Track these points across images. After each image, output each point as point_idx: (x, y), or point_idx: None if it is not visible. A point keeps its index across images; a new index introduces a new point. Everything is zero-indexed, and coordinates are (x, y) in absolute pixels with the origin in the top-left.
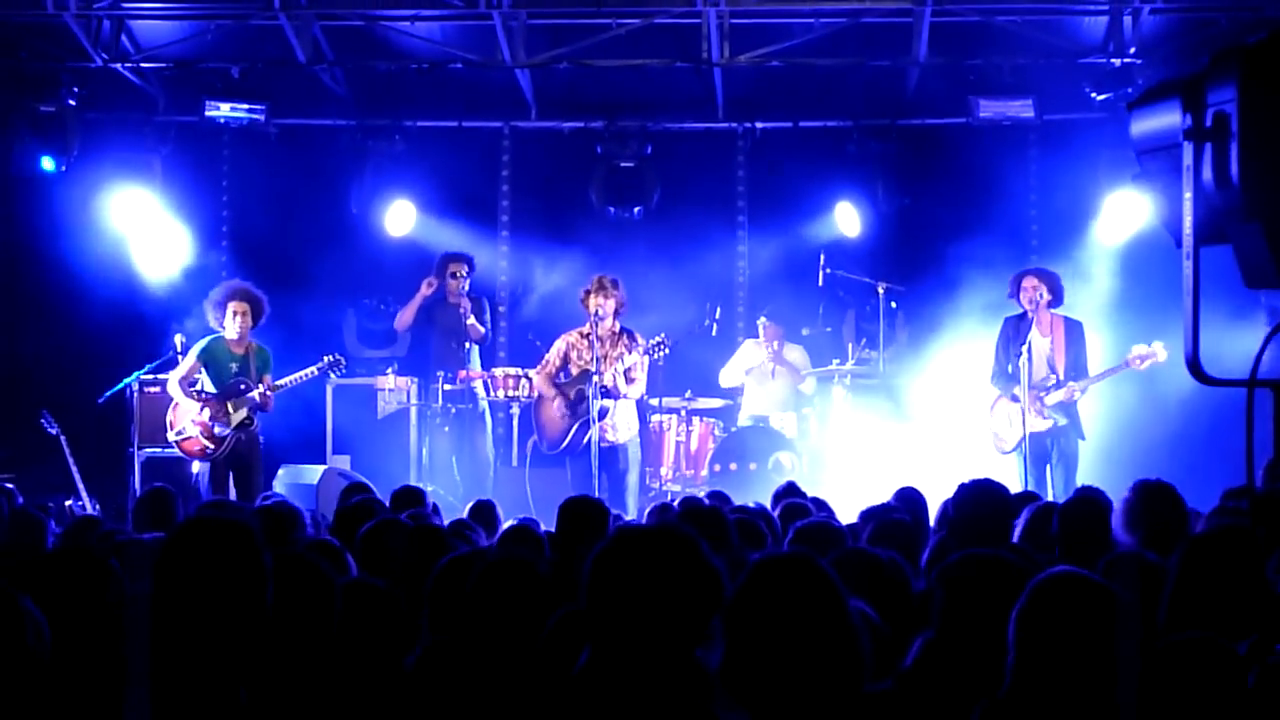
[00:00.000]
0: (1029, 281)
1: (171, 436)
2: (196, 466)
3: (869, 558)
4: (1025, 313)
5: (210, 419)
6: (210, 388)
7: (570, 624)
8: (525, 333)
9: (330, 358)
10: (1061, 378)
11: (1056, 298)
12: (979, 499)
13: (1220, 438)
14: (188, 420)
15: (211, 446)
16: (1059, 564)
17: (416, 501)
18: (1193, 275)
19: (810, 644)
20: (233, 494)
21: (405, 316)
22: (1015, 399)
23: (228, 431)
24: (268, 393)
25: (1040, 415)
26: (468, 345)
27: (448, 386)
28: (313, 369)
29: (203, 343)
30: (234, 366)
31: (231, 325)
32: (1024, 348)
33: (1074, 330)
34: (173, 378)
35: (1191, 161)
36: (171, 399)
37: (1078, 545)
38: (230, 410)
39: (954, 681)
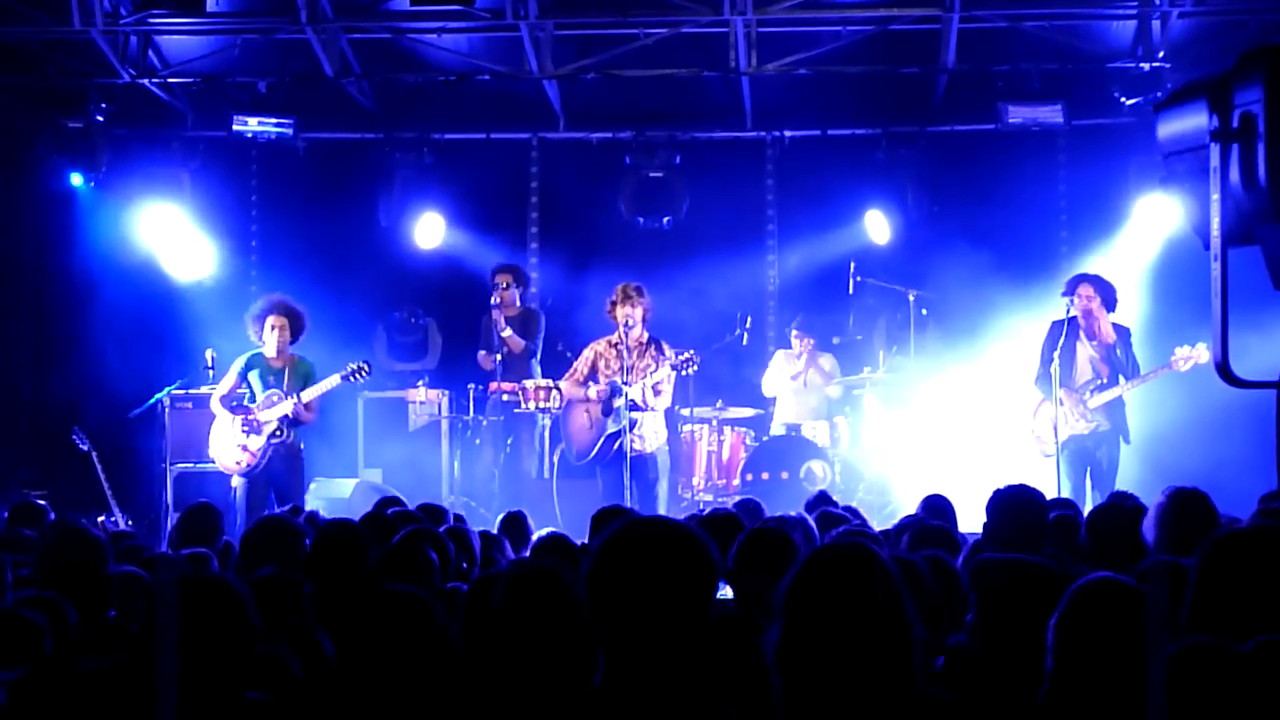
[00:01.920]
0: (1084, 289)
1: (211, 453)
2: (236, 481)
3: (904, 563)
4: (1075, 317)
5: (245, 432)
6: (250, 403)
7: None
8: (554, 344)
9: (354, 365)
10: (1106, 382)
11: (1108, 305)
12: (1014, 505)
13: (1265, 442)
14: (225, 436)
15: (247, 461)
16: (1090, 571)
17: (437, 518)
18: (1221, 277)
19: (865, 632)
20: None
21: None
22: (1060, 402)
23: (261, 445)
24: (299, 405)
25: (1084, 418)
26: (499, 357)
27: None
28: (335, 377)
29: (242, 358)
30: (271, 380)
31: (270, 339)
32: (1055, 353)
33: (1122, 336)
34: (215, 395)
35: (1218, 163)
36: (214, 416)
37: (1106, 551)
38: (262, 423)
39: (989, 686)
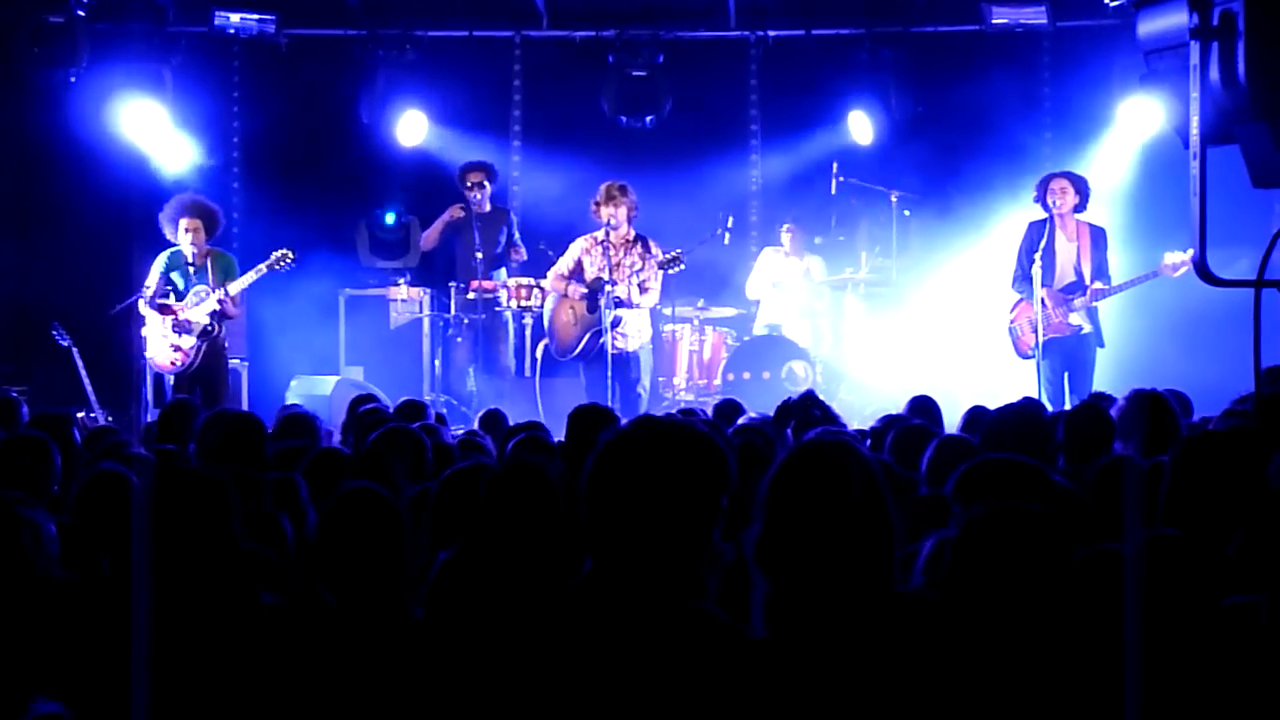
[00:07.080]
0: (1056, 184)
1: (148, 354)
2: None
3: (883, 462)
4: (1050, 217)
5: (176, 331)
6: (174, 301)
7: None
8: (537, 242)
9: (278, 253)
10: (1087, 283)
11: (1082, 202)
12: (1020, 421)
13: (1242, 343)
14: (156, 335)
15: (181, 360)
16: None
17: (419, 414)
18: (1200, 176)
19: (846, 528)
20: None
21: (431, 238)
22: (1043, 303)
23: (194, 343)
24: (226, 300)
25: (1064, 321)
26: (479, 255)
27: (470, 296)
28: (262, 266)
29: (162, 257)
30: (194, 277)
31: (184, 241)
32: (1037, 254)
33: (1098, 237)
34: (143, 297)
35: (1198, 61)
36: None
37: (1081, 453)
38: (192, 322)
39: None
